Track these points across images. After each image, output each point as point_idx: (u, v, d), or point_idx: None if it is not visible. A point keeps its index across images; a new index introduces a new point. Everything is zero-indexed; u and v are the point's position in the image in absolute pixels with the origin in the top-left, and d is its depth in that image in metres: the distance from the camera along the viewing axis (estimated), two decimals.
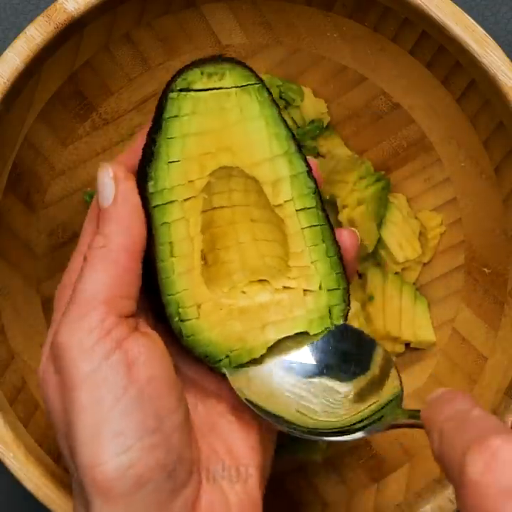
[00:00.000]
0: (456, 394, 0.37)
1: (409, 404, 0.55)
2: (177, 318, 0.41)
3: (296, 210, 0.43)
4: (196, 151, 0.42)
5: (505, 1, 0.59)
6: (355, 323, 0.53)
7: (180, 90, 0.41)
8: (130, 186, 0.40)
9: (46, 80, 0.49)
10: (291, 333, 0.43)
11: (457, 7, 0.47)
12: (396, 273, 0.55)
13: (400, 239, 0.54)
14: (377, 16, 0.50)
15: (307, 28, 0.53)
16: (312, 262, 0.43)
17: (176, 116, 0.41)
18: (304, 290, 0.43)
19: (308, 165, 0.43)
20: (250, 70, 0.42)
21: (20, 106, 0.49)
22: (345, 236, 0.44)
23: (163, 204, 0.41)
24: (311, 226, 0.43)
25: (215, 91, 0.42)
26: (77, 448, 0.36)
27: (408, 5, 0.47)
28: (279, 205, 0.43)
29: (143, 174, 0.41)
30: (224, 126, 0.42)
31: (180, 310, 0.41)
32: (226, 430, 0.41)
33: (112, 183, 0.40)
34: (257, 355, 0.43)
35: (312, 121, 0.55)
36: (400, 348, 0.55)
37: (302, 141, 0.55)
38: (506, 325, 0.51)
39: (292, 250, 0.43)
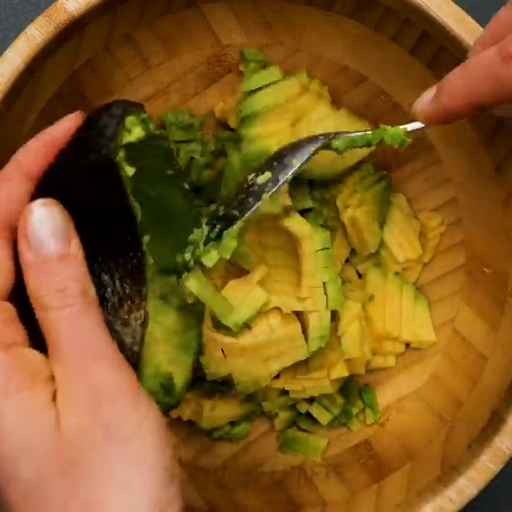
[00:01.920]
0: None
1: (409, 404, 0.55)
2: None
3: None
4: None
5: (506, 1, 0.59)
6: (356, 323, 0.53)
7: None
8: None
9: (47, 80, 0.49)
10: (292, 362, 0.48)
11: (457, 7, 0.47)
12: (396, 273, 0.55)
13: (401, 239, 0.54)
14: (377, 15, 0.50)
15: (307, 28, 0.53)
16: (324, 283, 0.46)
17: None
18: (310, 311, 0.47)
19: None
20: None
21: (21, 106, 0.49)
22: None
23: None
24: (324, 248, 0.46)
25: None
26: None
27: (408, 5, 0.47)
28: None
29: None
30: None
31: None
32: None
33: None
34: (263, 386, 0.49)
35: None
36: (400, 348, 0.55)
37: None
38: (506, 325, 0.51)
39: (305, 270, 0.45)
